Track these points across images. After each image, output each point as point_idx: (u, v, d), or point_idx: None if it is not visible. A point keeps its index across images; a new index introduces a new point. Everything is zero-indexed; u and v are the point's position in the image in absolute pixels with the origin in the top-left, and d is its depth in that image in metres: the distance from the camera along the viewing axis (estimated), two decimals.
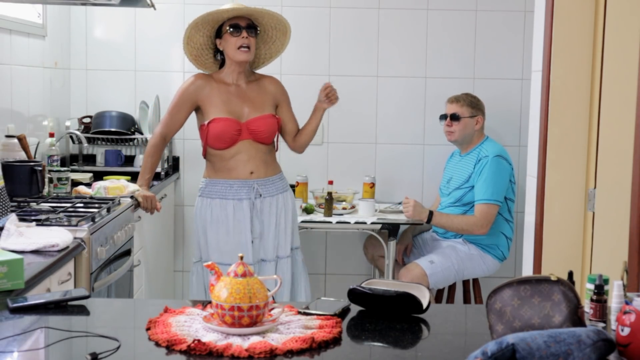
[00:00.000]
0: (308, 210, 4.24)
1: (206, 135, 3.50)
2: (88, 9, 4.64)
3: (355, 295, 2.00)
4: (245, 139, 3.50)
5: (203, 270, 3.57)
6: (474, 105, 4.27)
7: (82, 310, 1.99)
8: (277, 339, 1.71)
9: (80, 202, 3.30)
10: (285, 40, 3.63)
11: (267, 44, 3.64)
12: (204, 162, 3.66)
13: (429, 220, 4.14)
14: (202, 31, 3.53)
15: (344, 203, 4.35)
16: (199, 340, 1.66)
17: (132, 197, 3.55)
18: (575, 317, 1.64)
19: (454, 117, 4.24)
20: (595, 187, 3.15)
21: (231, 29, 3.46)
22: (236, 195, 3.52)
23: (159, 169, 4.43)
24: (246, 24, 3.47)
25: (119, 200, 3.41)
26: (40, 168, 3.41)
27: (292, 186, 4.21)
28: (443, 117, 4.31)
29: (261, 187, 3.53)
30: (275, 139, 3.62)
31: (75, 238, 2.71)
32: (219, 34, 3.52)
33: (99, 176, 4.14)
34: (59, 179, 3.62)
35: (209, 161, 3.61)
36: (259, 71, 3.72)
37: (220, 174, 3.55)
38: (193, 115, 4.59)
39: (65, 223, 2.86)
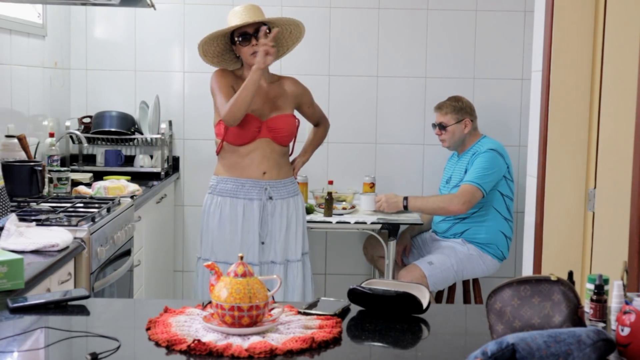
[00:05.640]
0: (308, 210, 4.23)
1: (225, 130, 3.49)
2: (88, 9, 4.64)
3: (355, 295, 2.00)
4: (263, 138, 3.51)
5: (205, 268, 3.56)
6: (458, 110, 4.26)
7: (82, 310, 1.99)
8: (277, 339, 1.71)
9: (80, 202, 3.30)
10: (300, 31, 3.59)
11: (283, 36, 3.61)
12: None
13: (406, 207, 4.15)
14: (215, 43, 3.54)
15: (344, 203, 4.35)
16: (199, 340, 1.66)
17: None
18: (575, 317, 1.64)
19: (441, 127, 4.27)
20: (595, 187, 3.15)
21: (240, 39, 3.48)
22: (247, 195, 3.53)
23: (158, 169, 4.43)
24: (254, 30, 3.46)
25: (119, 200, 3.41)
26: (40, 168, 3.41)
27: None
28: (434, 125, 4.34)
29: (273, 189, 3.54)
30: (292, 143, 3.63)
31: (75, 238, 2.71)
32: (232, 39, 3.53)
33: (99, 176, 4.14)
34: (59, 179, 3.62)
35: (222, 158, 3.60)
36: (276, 71, 3.70)
37: (233, 171, 3.55)
38: (197, 114, 4.63)
39: (65, 223, 2.86)
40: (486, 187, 4.11)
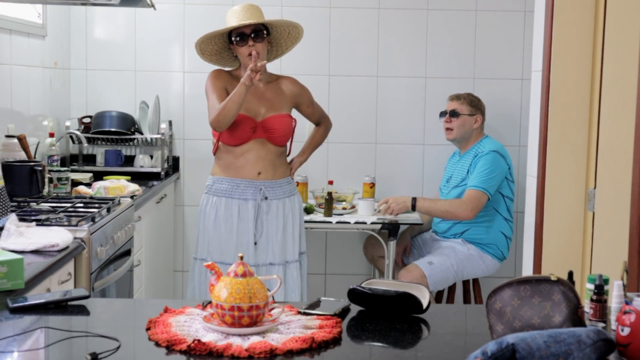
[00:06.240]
0: (308, 210, 4.23)
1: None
2: (88, 9, 4.64)
3: (355, 295, 2.00)
4: (259, 138, 3.51)
5: (202, 268, 3.57)
6: (474, 104, 4.29)
7: (82, 310, 1.99)
8: (277, 339, 1.71)
9: (80, 202, 3.30)
10: (298, 32, 3.60)
11: (282, 37, 3.62)
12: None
13: (413, 208, 4.15)
14: (212, 42, 3.54)
15: (344, 203, 4.35)
16: (199, 340, 1.66)
17: None
18: (575, 317, 1.64)
19: (453, 114, 4.27)
20: (595, 187, 3.15)
21: (237, 39, 3.47)
22: (242, 195, 3.52)
23: (158, 169, 4.43)
24: (252, 31, 3.45)
25: (119, 200, 3.41)
26: (40, 168, 3.41)
27: None
28: (443, 113, 4.34)
29: (268, 189, 3.54)
30: (288, 143, 3.62)
31: (75, 238, 2.71)
32: (230, 39, 3.52)
33: (99, 176, 4.14)
34: (59, 179, 3.62)
35: (218, 158, 3.61)
36: (276, 71, 3.72)
37: (228, 172, 3.55)
38: (197, 114, 4.63)
39: (65, 223, 2.86)
40: (491, 190, 4.12)
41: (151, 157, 4.53)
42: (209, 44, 3.55)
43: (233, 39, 3.49)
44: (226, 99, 3.37)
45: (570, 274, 1.88)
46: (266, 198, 3.53)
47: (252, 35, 3.45)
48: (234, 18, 3.47)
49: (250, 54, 3.44)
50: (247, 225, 3.52)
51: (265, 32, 3.50)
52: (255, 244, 3.53)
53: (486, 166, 4.13)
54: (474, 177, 4.14)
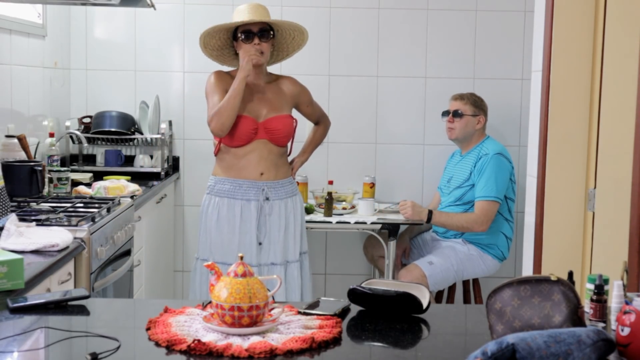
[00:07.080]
0: (308, 210, 4.23)
1: None
2: (88, 9, 4.64)
3: (355, 295, 2.00)
4: (261, 139, 3.51)
5: (204, 268, 3.56)
6: (477, 104, 4.29)
7: (82, 310, 1.99)
8: (277, 339, 1.71)
9: (80, 202, 3.30)
10: (303, 39, 3.63)
11: (286, 41, 3.64)
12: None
13: (428, 220, 4.14)
14: (217, 36, 3.54)
15: (344, 203, 4.35)
16: (199, 340, 1.66)
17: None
18: (575, 317, 1.64)
19: (456, 114, 4.26)
20: (595, 187, 3.15)
21: (243, 36, 3.47)
22: (244, 196, 3.52)
23: (158, 169, 4.43)
24: (259, 29, 3.46)
25: (119, 200, 3.41)
26: (40, 168, 3.41)
27: None
28: (445, 113, 4.33)
29: (270, 189, 3.54)
30: (289, 143, 3.63)
31: (75, 238, 2.71)
32: (235, 35, 3.53)
33: (99, 176, 4.14)
34: (59, 179, 3.62)
35: (219, 159, 3.60)
36: (276, 71, 3.72)
37: (230, 172, 3.55)
38: (197, 114, 4.63)
39: (65, 223, 2.86)
40: (501, 196, 4.14)
41: (151, 157, 4.53)
42: (213, 38, 3.54)
43: (239, 35, 3.48)
44: (223, 99, 3.36)
45: (570, 274, 1.88)
46: (267, 199, 3.53)
47: (259, 34, 3.45)
48: (241, 15, 3.47)
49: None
50: (249, 225, 3.52)
51: (271, 32, 3.50)
52: (260, 244, 3.54)
53: (492, 172, 4.12)
54: (483, 187, 4.12)
